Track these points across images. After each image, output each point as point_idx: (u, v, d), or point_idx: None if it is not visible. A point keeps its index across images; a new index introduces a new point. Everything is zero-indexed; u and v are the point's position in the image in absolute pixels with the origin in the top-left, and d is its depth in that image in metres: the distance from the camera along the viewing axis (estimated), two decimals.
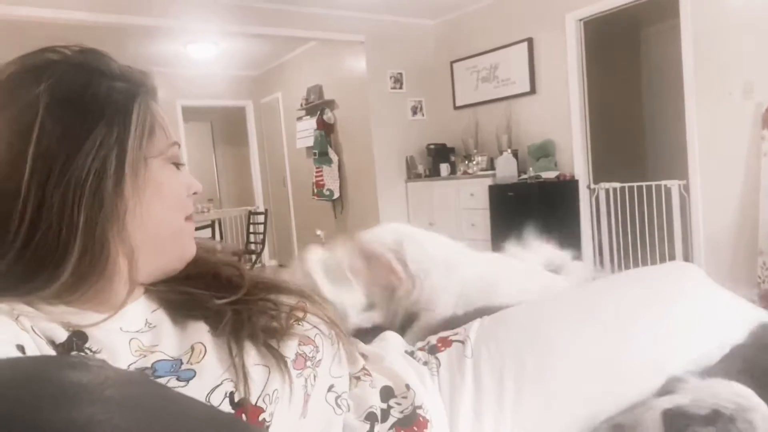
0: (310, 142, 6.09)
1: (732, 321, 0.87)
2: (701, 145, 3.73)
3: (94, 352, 0.52)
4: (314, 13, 4.83)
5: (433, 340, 0.87)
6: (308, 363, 0.63)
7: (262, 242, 5.81)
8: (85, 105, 0.56)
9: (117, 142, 0.56)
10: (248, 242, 5.97)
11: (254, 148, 7.60)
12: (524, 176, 4.50)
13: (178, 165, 0.65)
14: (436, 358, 0.81)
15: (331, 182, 5.92)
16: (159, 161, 0.61)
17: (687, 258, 3.87)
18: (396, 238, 1.03)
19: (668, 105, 4.85)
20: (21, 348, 0.47)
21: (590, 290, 0.94)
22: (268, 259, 7.16)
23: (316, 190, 6.09)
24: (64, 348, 0.51)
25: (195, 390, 0.54)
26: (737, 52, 3.46)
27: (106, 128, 0.55)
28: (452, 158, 5.29)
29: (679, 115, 3.88)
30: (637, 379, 0.77)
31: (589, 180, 4.45)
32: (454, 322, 0.94)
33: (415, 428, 0.69)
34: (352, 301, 0.99)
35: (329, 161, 5.90)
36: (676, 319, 0.81)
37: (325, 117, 5.91)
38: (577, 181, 4.40)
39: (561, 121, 4.50)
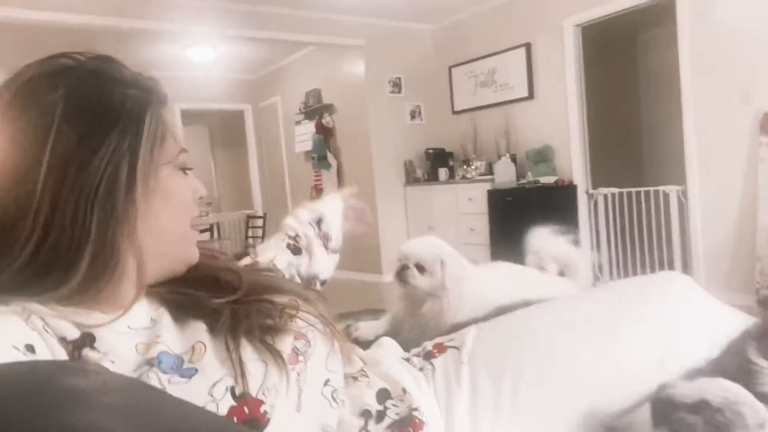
0: (309, 147, 6.10)
1: (719, 328, 0.88)
2: (699, 151, 3.74)
3: (103, 353, 0.54)
4: (313, 17, 4.84)
5: (428, 346, 0.88)
6: (300, 358, 0.65)
7: None
8: (99, 112, 0.57)
9: (129, 150, 0.57)
10: (247, 246, 5.96)
11: (253, 152, 7.61)
12: (523, 181, 4.51)
13: (185, 171, 0.67)
14: (432, 364, 0.83)
15: (330, 186, 5.92)
16: (169, 168, 0.63)
17: (685, 263, 3.88)
18: (441, 256, 1.07)
19: (666, 110, 4.87)
20: (31, 348, 0.48)
21: (585, 299, 0.97)
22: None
23: (314, 195, 6.09)
24: (75, 346, 0.53)
25: (197, 385, 0.55)
26: (734, 57, 3.48)
27: (119, 135, 0.57)
28: (451, 163, 5.30)
29: (676, 120, 3.90)
30: (631, 384, 0.78)
31: (587, 185, 4.45)
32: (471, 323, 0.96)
33: (411, 430, 0.70)
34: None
35: (328, 165, 5.91)
36: (666, 327, 0.83)
37: (323, 121, 5.92)
38: (575, 187, 4.40)
39: (559, 126, 4.51)
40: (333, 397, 0.68)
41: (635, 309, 0.85)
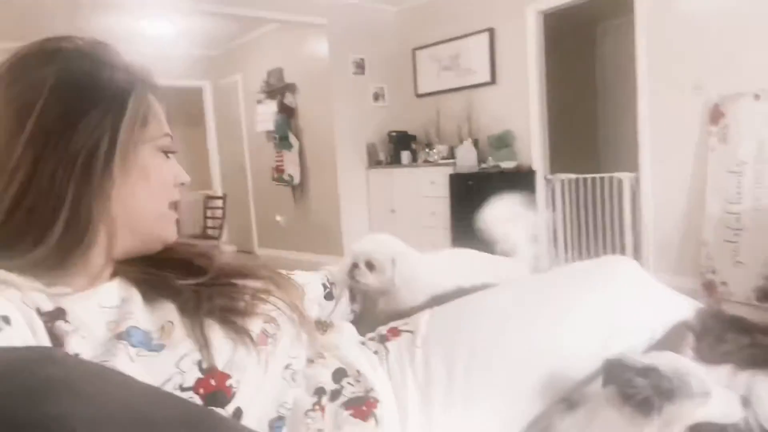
0: (271, 126, 6.00)
1: (661, 310, 0.92)
2: (652, 140, 3.86)
3: (74, 327, 0.56)
4: None
5: (383, 330, 0.90)
6: (269, 340, 0.68)
7: (220, 227, 5.71)
8: (86, 89, 0.61)
9: (111, 126, 0.61)
10: (206, 228, 5.85)
11: (212, 131, 7.42)
12: (484, 166, 4.57)
13: (168, 155, 0.70)
14: (386, 347, 0.84)
15: (292, 167, 5.85)
16: (149, 148, 0.66)
17: (636, 247, 4.03)
18: (392, 255, 1.07)
19: (622, 99, 5.00)
20: (6, 319, 0.49)
21: (535, 280, 1.00)
22: (226, 245, 7.03)
23: (276, 175, 6.01)
24: (50, 317, 0.55)
25: (165, 358, 0.58)
26: (688, 49, 3.59)
27: (102, 112, 0.61)
28: (413, 146, 5.31)
29: (632, 109, 4.01)
30: (579, 362, 0.81)
31: (546, 170, 4.55)
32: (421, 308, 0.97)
33: (365, 407, 0.72)
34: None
35: (290, 146, 5.83)
36: (609, 308, 0.86)
37: (286, 101, 5.83)
38: (534, 172, 4.49)
39: (520, 112, 4.58)
40: (292, 378, 0.70)
41: (580, 291, 0.87)
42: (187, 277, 0.68)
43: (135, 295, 0.64)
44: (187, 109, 8.10)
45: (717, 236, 3.48)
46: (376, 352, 0.84)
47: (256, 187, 6.82)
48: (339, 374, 0.75)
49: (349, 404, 0.72)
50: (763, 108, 3.27)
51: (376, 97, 5.49)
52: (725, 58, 3.42)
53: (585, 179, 4.29)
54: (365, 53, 5.37)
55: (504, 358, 0.80)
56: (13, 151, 0.57)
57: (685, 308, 0.93)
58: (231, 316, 0.65)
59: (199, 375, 0.58)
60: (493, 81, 4.75)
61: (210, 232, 5.75)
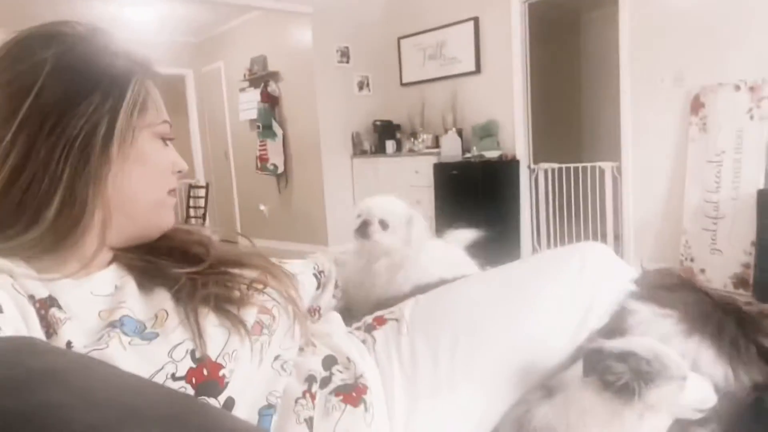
0: (254, 115, 5.95)
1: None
2: (634, 129, 3.91)
3: (65, 316, 0.55)
4: None
5: (369, 319, 0.91)
6: (264, 330, 0.68)
7: (203, 217, 5.66)
8: (85, 74, 0.61)
9: (110, 110, 0.61)
10: (188, 217, 5.80)
11: (194, 119, 7.33)
12: (468, 155, 4.58)
13: (166, 142, 0.70)
14: (372, 336, 0.85)
15: (276, 156, 5.81)
16: (147, 134, 0.66)
17: (617, 235, 4.09)
18: (410, 215, 1.07)
19: (605, 89, 5.04)
20: None
21: (514, 267, 1.00)
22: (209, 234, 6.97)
23: (259, 165, 5.97)
24: (42, 304, 0.54)
25: (158, 347, 0.58)
26: (670, 40, 3.63)
27: (101, 96, 0.61)
28: (398, 135, 5.31)
29: (614, 99, 4.05)
30: (555, 347, 0.83)
31: (529, 160, 4.58)
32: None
33: (354, 394, 0.73)
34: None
35: (273, 135, 5.78)
36: (581, 292, 0.87)
37: (269, 89, 5.77)
38: (518, 161, 4.52)
39: (504, 102, 4.59)
40: (282, 368, 0.70)
41: (553, 277, 0.89)
42: (184, 265, 0.68)
43: (129, 283, 0.64)
44: (169, 97, 7.95)
45: (696, 224, 3.55)
46: (363, 341, 0.85)
47: (239, 176, 6.77)
48: (329, 361, 0.76)
49: (338, 391, 0.72)
50: (743, 99, 3.33)
51: (361, 86, 5.47)
52: (706, 50, 3.47)
53: (568, 168, 4.33)
54: (350, 42, 5.33)
55: (484, 345, 0.81)
56: (8, 132, 0.56)
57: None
58: (226, 305, 0.65)
59: (192, 365, 0.58)
60: (477, 70, 4.76)
61: (192, 221, 5.70)
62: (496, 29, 4.59)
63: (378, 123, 5.36)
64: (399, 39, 5.33)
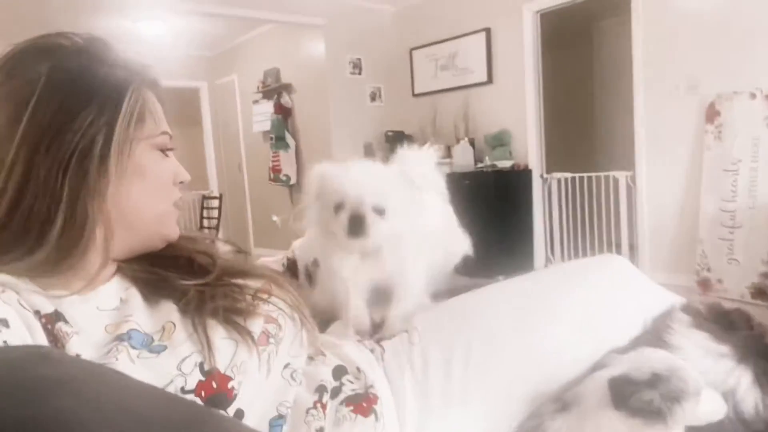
0: (267, 127, 5.99)
1: (653, 306, 0.93)
2: (648, 138, 3.87)
3: (72, 330, 0.55)
4: None
5: None
6: (271, 340, 0.68)
7: (217, 227, 5.71)
8: (81, 86, 0.60)
9: (106, 123, 0.60)
10: (202, 227, 5.85)
11: (208, 131, 7.41)
12: (480, 165, 4.57)
13: (166, 153, 0.69)
14: (381, 346, 0.84)
15: (289, 167, 5.84)
16: (145, 146, 0.65)
17: (632, 246, 4.04)
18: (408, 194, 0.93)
19: (618, 98, 5.01)
20: (5, 322, 0.49)
21: (529, 280, 0.99)
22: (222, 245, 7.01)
23: (272, 175, 6.00)
24: (49, 319, 0.54)
25: (166, 360, 0.57)
26: (684, 48, 3.60)
27: (97, 109, 0.59)
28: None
29: (628, 108, 4.02)
30: (572, 362, 0.82)
31: (542, 170, 4.56)
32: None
33: (365, 404, 0.72)
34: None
35: (286, 146, 5.82)
36: (600, 306, 0.87)
37: (282, 101, 5.82)
38: (531, 171, 4.50)
39: (517, 112, 4.58)
40: (292, 377, 0.70)
41: (572, 290, 0.88)
42: (190, 277, 0.67)
43: (135, 296, 0.63)
44: (183, 109, 8.10)
45: (712, 234, 3.50)
46: (372, 351, 0.84)
47: (252, 187, 6.81)
48: (339, 371, 0.75)
49: (349, 401, 0.72)
50: (759, 106, 3.29)
51: (373, 97, 5.49)
52: (721, 57, 3.44)
53: (581, 178, 4.30)
54: (362, 53, 5.37)
55: (499, 357, 0.80)
56: (10, 149, 0.56)
57: (670, 300, 0.94)
58: (233, 317, 0.64)
59: (201, 377, 0.57)
60: (489, 80, 4.76)
61: (206, 231, 5.74)
62: (508, 39, 4.59)
63: (390, 133, 5.37)
64: (411, 50, 5.36)
